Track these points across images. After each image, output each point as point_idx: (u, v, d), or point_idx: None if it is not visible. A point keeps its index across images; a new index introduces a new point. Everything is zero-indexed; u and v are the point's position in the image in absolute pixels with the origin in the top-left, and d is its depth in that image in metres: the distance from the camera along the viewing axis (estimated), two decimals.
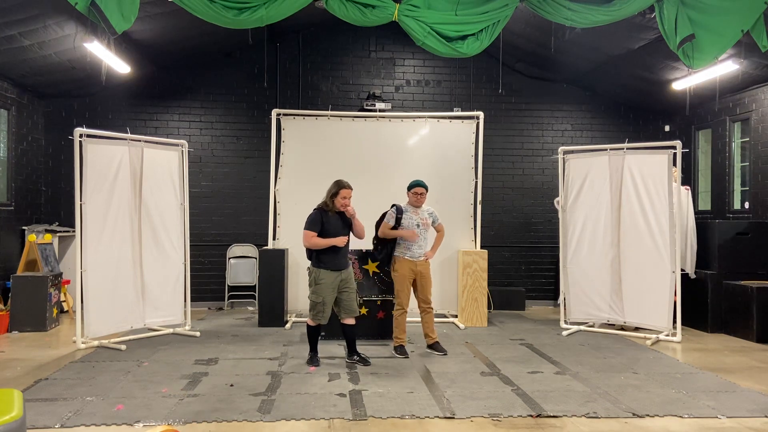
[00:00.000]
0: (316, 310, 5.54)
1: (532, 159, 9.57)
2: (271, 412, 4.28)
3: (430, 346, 6.21)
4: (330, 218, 5.58)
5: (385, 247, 6.11)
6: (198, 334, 6.96)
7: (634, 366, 5.71)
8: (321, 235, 5.53)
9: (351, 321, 5.71)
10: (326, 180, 8.08)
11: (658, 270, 6.96)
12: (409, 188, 6.20)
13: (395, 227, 6.02)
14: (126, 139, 6.72)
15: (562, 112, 9.64)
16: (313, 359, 5.68)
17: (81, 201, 6.26)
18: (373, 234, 6.17)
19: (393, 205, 6.19)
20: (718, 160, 8.62)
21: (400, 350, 6.07)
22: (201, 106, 9.13)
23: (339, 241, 5.51)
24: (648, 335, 6.95)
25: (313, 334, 5.74)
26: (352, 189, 5.66)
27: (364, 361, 5.68)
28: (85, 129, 6.44)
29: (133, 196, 6.76)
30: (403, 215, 6.08)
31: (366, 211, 8.03)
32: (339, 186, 5.63)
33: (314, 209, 5.68)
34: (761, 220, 7.70)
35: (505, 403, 4.56)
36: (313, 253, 5.57)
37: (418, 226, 6.07)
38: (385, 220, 6.11)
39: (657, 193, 7.01)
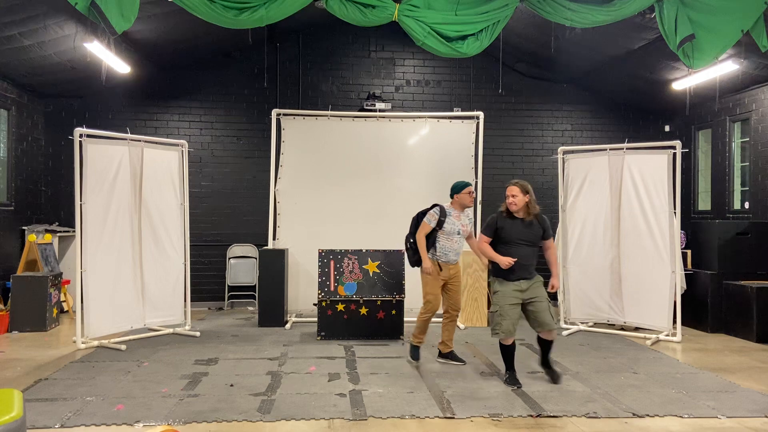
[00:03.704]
0: (494, 322, 5.04)
1: (532, 159, 9.57)
2: (271, 412, 4.28)
3: (446, 355, 5.74)
4: (507, 223, 5.05)
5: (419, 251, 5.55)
6: (198, 334, 6.96)
7: (634, 366, 5.71)
8: (496, 241, 5.08)
9: (546, 336, 5.12)
10: (326, 180, 8.21)
11: (658, 270, 6.96)
12: (459, 189, 5.59)
13: (435, 230, 5.49)
14: (126, 139, 6.73)
15: (562, 112, 9.64)
16: (512, 378, 5.08)
17: (81, 201, 6.26)
18: (409, 233, 5.71)
19: (435, 205, 5.59)
20: (718, 160, 8.62)
21: (415, 353, 5.69)
22: (201, 106, 9.13)
23: (502, 261, 4.96)
24: (648, 335, 6.95)
25: (505, 352, 5.13)
26: (513, 185, 5.07)
27: (553, 375, 5.14)
28: (85, 129, 6.44)
29: (133, 196, 6.76)
30: (446, 219, 5.50)
31: (367, 211, 8.09)
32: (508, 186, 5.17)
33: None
34: (761, 220, 7.70)
35: (505, 403, 4.56)
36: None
37: (458, 233, 5.56)
38: (425, 220, 5.54)
39: (657, 192, 7.01)
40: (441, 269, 5.54)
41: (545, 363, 5.28)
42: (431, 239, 5.55)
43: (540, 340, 5.22)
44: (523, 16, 7.29)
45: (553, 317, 5.06)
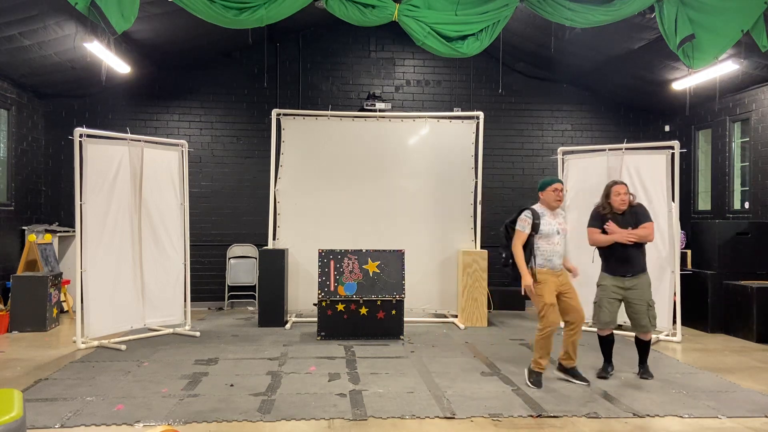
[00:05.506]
0: (593, 313, 5.34)
1: (532, 159, 9.57)
2: (271, 412, 4.28)
3: (568, 370, 5.20)
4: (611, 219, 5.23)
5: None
6: (198, 334, 6.96)
7: (634, 366, 5.70)
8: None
9: (641, 336, 5.27)
10: (326, 180, 8.21)
11: (658, 270, 6.95)
12: (543, 186, 5.10)
13: (531, 236, 4.98)
14: (126, 139, 6.73)
15: (562, 112, 9.64)
16: (602, 368, 5.41)
17: (81, 201, 6.26)
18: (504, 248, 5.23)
19: (526, 209, 5.08)
20: (718, 160, 8.62)
21: (536, 379, 5.00)
22: (201, 106, 9.13)
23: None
24: None
25: (601, 343, 5.47)
26: (622, 184, 5.29)
27: (645, 374, 5.30)
28: (85, 129, 6.44)
29: (133, 196, 6.76)
30: (542, 220, 5.00)
31: (367, 210, 8.09)
32: (608, 186, 5.33)
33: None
34: (761, 220, 7.70)
35: (505, 403, 4.56)
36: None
37: (558, 233, 5.03)
38: (518, 228, 5.02)
39: (655, 192, 7.02)
40: (539, 278, 5.03)
41: (642, 362, 5.40)
42: (528, 248, 5.01)
43: (636, 340, 5.39)
44: (523, 16, 7.29)
45: (651, 320, 5.17)
